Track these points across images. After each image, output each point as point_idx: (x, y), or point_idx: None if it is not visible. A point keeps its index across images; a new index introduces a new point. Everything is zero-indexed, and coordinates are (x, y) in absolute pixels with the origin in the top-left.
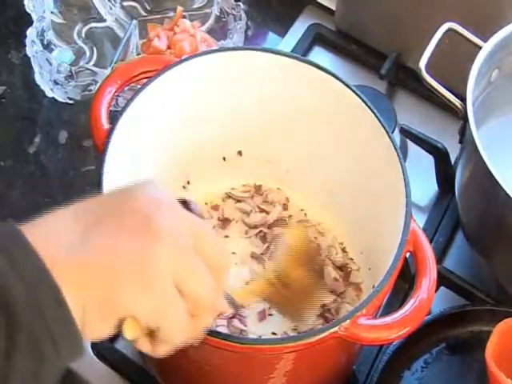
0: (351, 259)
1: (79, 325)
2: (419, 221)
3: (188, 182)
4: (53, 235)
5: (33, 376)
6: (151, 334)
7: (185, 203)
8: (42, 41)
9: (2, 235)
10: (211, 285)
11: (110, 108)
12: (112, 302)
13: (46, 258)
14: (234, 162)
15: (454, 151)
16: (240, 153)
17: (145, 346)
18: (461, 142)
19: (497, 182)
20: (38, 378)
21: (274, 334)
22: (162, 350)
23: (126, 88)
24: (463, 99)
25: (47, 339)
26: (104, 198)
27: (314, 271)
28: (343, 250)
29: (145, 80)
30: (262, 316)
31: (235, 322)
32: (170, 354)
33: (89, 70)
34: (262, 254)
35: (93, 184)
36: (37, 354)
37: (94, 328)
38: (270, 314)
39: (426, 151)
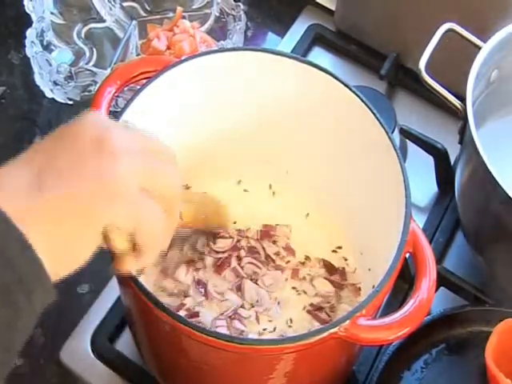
0: (345, 259)
1: (50, 264)
2: (419, 221)
3: (187, 186)
4: (9, 185)
5: (7, 328)
6: (134, 250)
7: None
8: (41, 41)
9: None
10: (176, 177)
11: (110, 108)
12: (85, 225)
13: (7, 208)
14: (233, 162)
15: (453, 152)
16: (239, 153)
17: (132, 264)
18: (460, 142)
19: (496, 183)
20: (12, 329)
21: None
22: (147, 261)
23: (125, 88)
24: (463, 99)
25: (18, 287)
26: (52, 135)
27: None
28: (334, 251)
29: (144, 80)
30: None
31: (235, 322)
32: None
33: (88, 70)
34: None
35: None
36: (8, 302)
37: (70, 257)
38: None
39: (426, 151)
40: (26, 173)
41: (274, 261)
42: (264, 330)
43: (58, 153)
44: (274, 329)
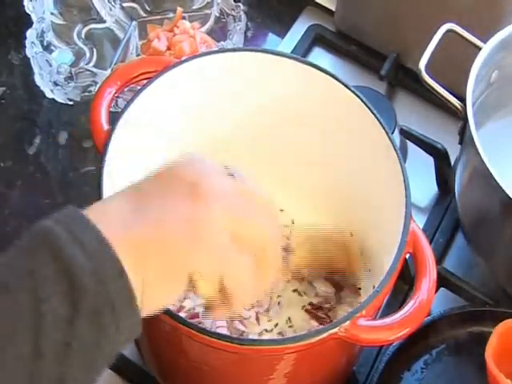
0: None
1: (139, 298)
2: (419, 222)
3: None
4: (108, 215)
5: (95, 347)
6: (223, 294)
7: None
8: (41, 42)
9: (63, 214)
10: (270, 227)
11: (110, 109)
12: (172, 266)
13: (105, 233)
14: (233, 163)
15: (453, 152)
16: (239, 154)
17: (220, 311)
18: (460, 142)
19: (496, 183)
20: (100, 351)
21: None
22: (236, 309)
23: (125, 89)
24: (463, 100)
25: (109, 310)
26: (152, 174)
27: None
28: None
29: (145, 81)
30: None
31: (236, 323)
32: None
33: (88, 71)
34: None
35: (92, 185)
36: (98, 325)
37: (156, 296)
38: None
39: (426, 152)
40: (121, 207)
41: None
42: (265, 330)
43: (155, 193)
44: (275, 325)
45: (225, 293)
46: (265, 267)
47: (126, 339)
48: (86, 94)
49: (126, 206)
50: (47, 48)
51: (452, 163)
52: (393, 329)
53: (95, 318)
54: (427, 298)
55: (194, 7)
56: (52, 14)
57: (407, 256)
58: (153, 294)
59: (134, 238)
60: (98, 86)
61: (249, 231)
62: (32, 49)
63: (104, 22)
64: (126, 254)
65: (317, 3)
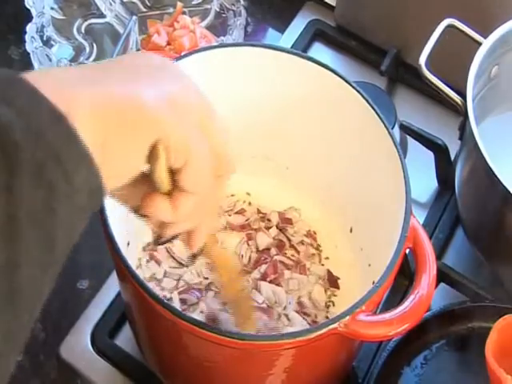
0: None
1: (98, 157)
2: (419, 217)
3: None
4: (57, 75)
5: (47, 213)
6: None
7: None
8: (41, 37)
9: None
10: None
11: None
12: (140, 125)
13: (49, 94)
14: (232, 158)
15: (453, 147)
16: (238, 148)
17: (162, 208)
18: (461, 138)
19: (497, 178)
20: (55, 216)
21: None
22: (181, 214)
23: None
24: (463, 95)
25: (52, 162)
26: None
27: None
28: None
29: None
30: None
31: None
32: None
33: None
34: None
35: None
36: (43, 182)
37: (117, 160)
38: None
39: (426, 147)
40: (78, 71)
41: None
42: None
43: (117, 67)
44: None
45: (180, 191)
46: (221, 179)
47: (86, 199)
48: None
49: (85, 71)
50: (47, 43)
51: (452, 159)
52: (392, 324)
53: (38, 176)
54: (427, 294)
55: (194, 2)
56: (52, 8)
57: (407, 251)
58: (113, 157)
59: (91, 96)
60: None
61: (215, 134)
62: (32, 44)
63: (104, 16)
64: (82, 111)
65: None
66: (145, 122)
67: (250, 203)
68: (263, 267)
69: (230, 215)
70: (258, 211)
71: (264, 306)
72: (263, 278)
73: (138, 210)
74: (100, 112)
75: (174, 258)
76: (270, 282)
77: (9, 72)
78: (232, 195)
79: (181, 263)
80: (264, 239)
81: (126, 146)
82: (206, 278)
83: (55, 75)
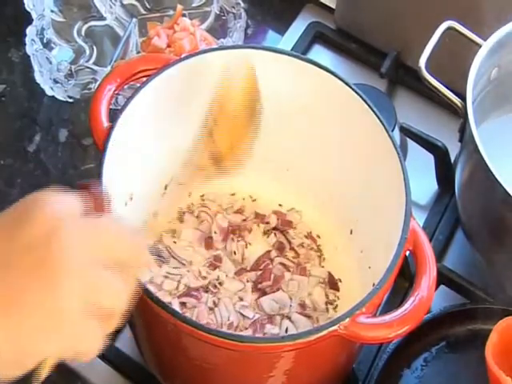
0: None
1: None
2: (419, 219)
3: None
4: None
5: None
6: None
7: (86, 188)
8: (41, 39)
9: None
10: (122, 293)
11: (110, 106)
12: (24, 353)
13: None
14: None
15: (453, 150)
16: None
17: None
18: (461, 140)
19: (496, 181)
20: None
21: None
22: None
23: (125, 86)
24: (463, 97)
25: None
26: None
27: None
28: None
29: (144, 78)
30: None
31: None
32: None
33: (88, 68)
34: None
35: None
36: None
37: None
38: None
39: (426, 150)
40: None
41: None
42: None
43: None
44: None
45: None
46: (107, 324)
47: None
48: (86, 91)
49: None
50: (47, 45)
51: (452, 161)
52: (393, 326)
53: None
54: (427, 296)
55: (194, 4)
56: (52, 11)
57: (407, 253)
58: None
59: None
60: (98, 83)
61: (101, 301)
62: (32, 46)
63: (104, 19)
64: None
65: (317, 1)
66: (25, 353)
67: (250, 204)
68: (259, 273)
69: (228, 214)
70: (257, 213)
71: (265, 317)
72: (260, 282)
73: None
74: None
75: (174, 258)
76: (269, 290)
77: None
78: (232, 194)
79: (182, 263)
80: (261, 241)
81: (12, 365)
82: (205, 278)
83: None
